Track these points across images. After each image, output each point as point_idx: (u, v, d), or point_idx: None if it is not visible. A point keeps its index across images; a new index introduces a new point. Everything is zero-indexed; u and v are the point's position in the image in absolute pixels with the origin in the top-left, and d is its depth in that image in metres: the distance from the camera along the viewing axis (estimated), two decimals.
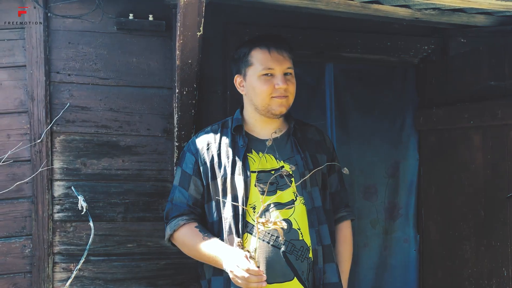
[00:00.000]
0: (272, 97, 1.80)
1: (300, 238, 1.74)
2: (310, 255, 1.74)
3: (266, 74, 1.81)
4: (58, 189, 2.25)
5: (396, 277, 3.18)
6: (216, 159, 1.83)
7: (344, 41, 2.62)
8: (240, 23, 2.44)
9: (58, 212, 2.25)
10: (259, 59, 1.82)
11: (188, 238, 1.80)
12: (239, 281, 1.58)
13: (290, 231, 1.72)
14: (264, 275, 1.59)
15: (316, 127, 2.03)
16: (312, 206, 1.79)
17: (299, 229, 1.74)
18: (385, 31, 2.65)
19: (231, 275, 1.62)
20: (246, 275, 1.56)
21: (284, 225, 1.56)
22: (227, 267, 1.64)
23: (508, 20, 2.35)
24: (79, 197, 2.14)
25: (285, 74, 1.83)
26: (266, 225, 1.56)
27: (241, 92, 1.93)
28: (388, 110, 3.22)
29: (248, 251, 1.60)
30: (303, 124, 2.00)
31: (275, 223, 1.55)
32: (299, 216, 1.75)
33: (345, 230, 1.96)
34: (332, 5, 2.15)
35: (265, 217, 1.69)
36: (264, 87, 1.80)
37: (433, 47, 2.71)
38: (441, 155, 2.67)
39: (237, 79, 1.91)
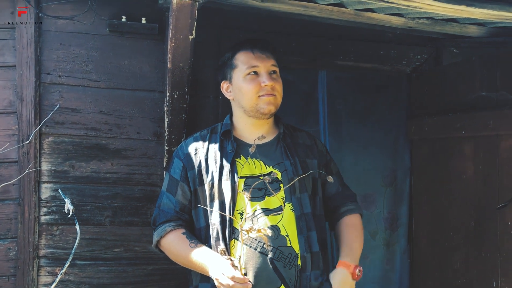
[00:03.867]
0: (259, 96, 1.80)
1: (288, 245, 1.71)
2: (299, 262, 1.72)
3: (251, 73, 1.81)
4: (46, 191, 2.22)
5: None
6: (203, 165, 1.81)
7: (338, 48, 2.62)
8: (234, 28, 2.44)
9: (44, 215, 2.22)
10: (243, 60, 1.83)
11: (175, 245, 1.77)
12: None
13: (278, 237, 1.70)
14: (250, 283, 1.57)
15: (307, 132, 2.02)
16: (301, 212, 1.76)
17: (287, 236, 1.71)
18: (378, 39, 2.66)
19: (216, 283, 1.60)
20: (231, 283, 1.54)
21: (269, 232, 1.54)
22: (213, 274, 1.62)
23: (500, 31, 2.36)
24: (66, 200, 2.11)
25: (271, 73, 1.83)
26: (250, 232, 1.54)
27: (229, 98, 1.92)
28: (382, 118, 3.22)
29: (231, 259, 1.58)
30: (294, 129, 1.99)
31: (259, 230, 1.53)
32: (288, 222, 1.73)
33: (354, 219, 1.91)
34: (326, 12, 2.15)
35: (252, 224, 1.67)
36: (250, 86, 1.80)
37: (426, 56, 2.72)
38: (432, 164, 2.66)
39: (224, 85, 1.92)
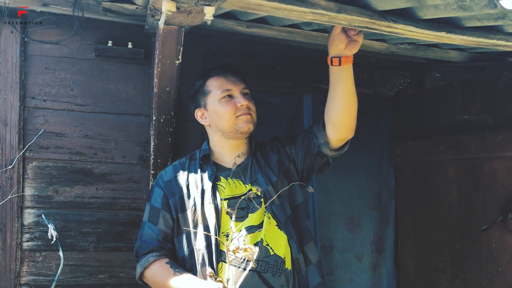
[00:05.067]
0: (237, 116, 1.83)
1: (272, 253, 1.72)
2: (287, 265, 1.73)
3: (226, 96, 1.85)
4: (29, 217, 2.18)
5: None
6: (185, 191, 1.81)
7: (322, 72, 2.63)
8: (220, 53, 2.46)
9: (27, 241, 2.17)
10: (215, 85, 1.88)
11: (159, 275, 1.74)
12: None
13: (261, 249, 1.69)
14: None
15: (273, 137, 2.02)
16: (285, 217, 1.78)
17: (267, 245, 1.72)
18: (362, 64, 2.70)
19: None
20: None
21: (255, 250, 1.53)
22: None
23: (479, 56, 2.42)
24: (49, 225, 2.07)
25: (243, 94, 1.87)
26: (236, 253, 1.53)
27: (205, 124, 1.94)
28: (366, 141, 3.25)
29: (221, 281, 1.56)
30: (263, 143, 2.00)
31: (245, 250, 1.53)
32: (268, 231, 1.74)
33: None
34: (310, 38, 2.18)
35: (238, 243, 1.67)
36: (227, 107, 1.83)
37: (409, 80, 2.77)
38: (417, 187, 2.69)
39: (198, 113, 1.94)
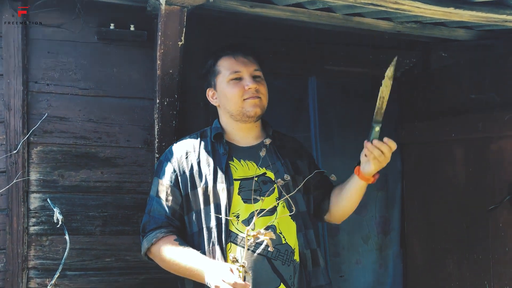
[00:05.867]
0: (244, 99, 1.80)
1: (284, 242, 1.71)
2: (296, 257, 1.73)
3: (235, 79, 1.81)
4: (34, 201, 2.18)
5: None
6: (196, 168, 1.79)
7: (327, 54, 2.62)
8: (224, 35, 2.43)
9: (33, 225, 2.18)
10: (225, 66, 1.84)
11: (168, 251, 1.71)
12: None
13: (274, 237, 1.68)
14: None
15: (293, 137, 2.05)
16: (297, 211, 1.77)
17: (281, 233, 1.71)
18: (367, 44, 2.67)
19: None
20: None
21: (273, 235, 1.51)
22: (211, 281, 1.55)
23: (487, 34, 2.38)
24: (54, 209, 2.08)
25: (254, 77, 1.83)
26: (256, 237, 1.50)
27: (215, 104, 1.92)
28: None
29: (243, 266, 1.52)
30: (281, 134, 2.01)
31: (266, 235, 1.49)
32: (281, 220, 1.73)
33: None
34: (315, 17, 2.15)
35: (249, 226, 1.65)
36: (234, 90, 1.80)
37: (415, 60, 2.73)
38: (423, 168, 2.67)
39: (209, 93, 1.92)
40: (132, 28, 2.24)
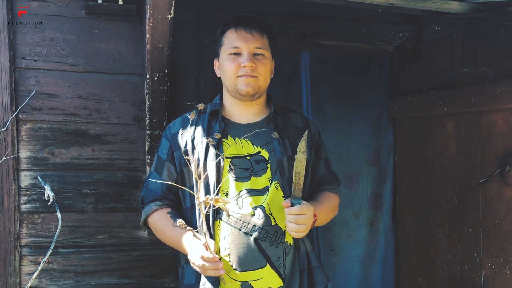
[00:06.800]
0: (238, 76, 1.76)
1: (273, 223, 1.70)
2: (287, 239, 1.71)
3: (233, 53, 1.77)
4: (25, 179, 2.17)
5: (382, 269, 3.18)
6: (190, 145, 1.79)
7: (320, 28, 2.59)
8: (215, 9, 2.39)
9: (25, 203, 2.17)
10: (228, 38, 1.80)
11: (160, 223, 1.79)
12: (198, 269, 1.60)
13: (263, 217, 1.68)
14: (220, 262, 1.57)
15: (301, 114, 2.00)
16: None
17: (270, 214, 1.70)
18: (360, 18, 2.64)
19: (191, 264, 1.62)
20: (202, 262, 1.56)
21: (227, 201, 1.52)
22: (189, 256, 1.64)
23: (481, 7, 2.35)
24: (45, 186, 2.07)
25: (255, 54, 1.78)
26: (206, 203, 1.52)
27: (218, 76, 1.89)
28: (365, 98, 3.22)
29: (191, 230, 1.54)
30: (287, 109, 1.95)
31: (216, 200, 1.51)
32: (272, 201, 1.71)
33: (332, 195, 1.93)
34: None
35: (237, 204, 1.66)
36: (230, 65, 1.77)
37: (408, 34, 2.71)
38: (415, 143, 2.68)
39: (216, 63, 1.89)
40: (120, 2, 2.18)
